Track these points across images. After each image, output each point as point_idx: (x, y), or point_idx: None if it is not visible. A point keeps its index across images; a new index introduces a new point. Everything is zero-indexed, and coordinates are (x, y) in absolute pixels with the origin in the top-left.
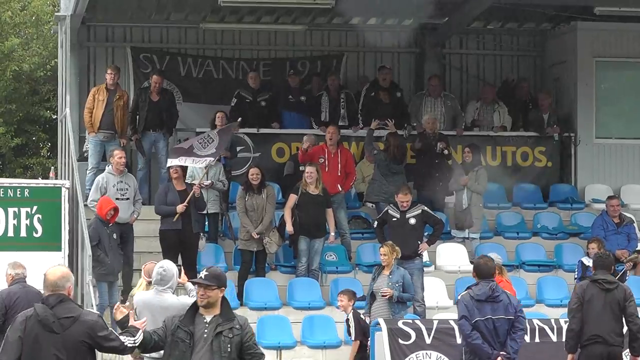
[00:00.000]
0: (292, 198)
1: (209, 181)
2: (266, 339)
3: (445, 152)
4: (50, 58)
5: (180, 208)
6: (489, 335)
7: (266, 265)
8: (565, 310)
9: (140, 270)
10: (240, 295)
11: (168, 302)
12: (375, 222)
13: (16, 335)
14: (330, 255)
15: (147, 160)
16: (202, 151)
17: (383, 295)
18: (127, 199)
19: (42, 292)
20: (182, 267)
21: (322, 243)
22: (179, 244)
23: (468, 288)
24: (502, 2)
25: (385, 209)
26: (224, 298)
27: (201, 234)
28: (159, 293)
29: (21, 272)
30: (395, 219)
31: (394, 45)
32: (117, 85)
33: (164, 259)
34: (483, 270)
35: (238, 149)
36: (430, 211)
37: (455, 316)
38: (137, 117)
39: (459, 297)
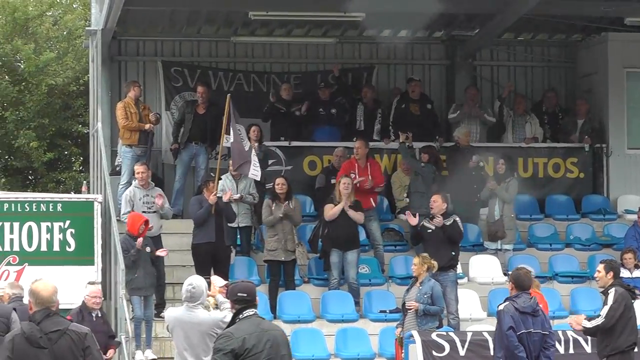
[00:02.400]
0: (330, 206)
1: (238, 195)
2: (300, 351)
3: (481, 164)
4: (83, 72)
5: (212, 199)
6: (527, 349)
7: (299, 278)
8: None
9: (173, 284)
10: (273, 309)
11: (200, 318)
12: (410, 234)
13: (4, 356)
14: (363, 268)
15: (184, 172)
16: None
17: (408, 308)
18: (155, 212)
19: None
20: (211, 280)
21: (356, 255)
22: (211, 258)
23: (508, 300)
24: (533, 13)
25: (421, 222)
26: None
27: (231, 247)
28: (190, 309)
29: (18, 292)
30: (430, 231)
31: (425, 57)
32: (139, 100)
33: (196, 272)
34: (524, 282)
35: (270, 161)
36: (460, 223)
37: (489, 328)
38: (182, 128)
39: (501, 308)
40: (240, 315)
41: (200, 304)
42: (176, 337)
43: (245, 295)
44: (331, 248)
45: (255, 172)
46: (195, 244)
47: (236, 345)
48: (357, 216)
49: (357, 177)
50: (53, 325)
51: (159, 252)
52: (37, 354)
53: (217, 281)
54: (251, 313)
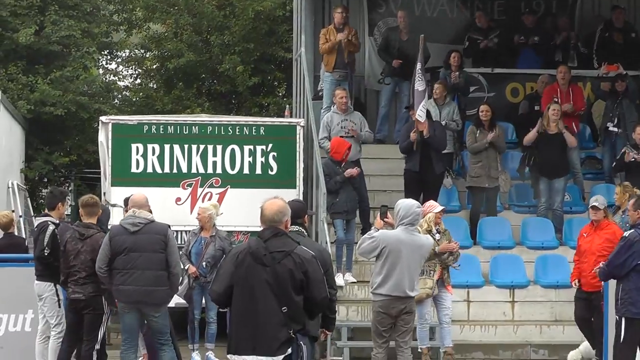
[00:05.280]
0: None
1: (444, 121)
2: (499, 277)
3: None
4: None
5: (412, 137)
6: None
7: (500, 205)
8: None
9: (373, 208)
10: (473, 234)
11: (422, 241)
12: (614, 163)
13: (228, 266)
14: (566, 196)
15: (389, 98)
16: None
17: None
18: (352, 137)
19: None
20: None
21: (564, 182)
22: (420, 184)
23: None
24: None
25: (623, 150)
26: None
27: (446, 172)
28: (410, 232)
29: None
30: (632, 160)
31: None
32: (346, 25)
33: (405, 197)
34: None
35: (472, 88)
36: None
37: None
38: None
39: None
40: None
41: (416, 229)
42: (392, 258)
43: None
44: (539, 175)
45: (421, 113)
46: (405, 170)
47: None
48: (571, 138)
49: (561, 102)
50: (279, 245)
51: (348, 171)
52: (258, 270)
53: (435, 207)
54: None
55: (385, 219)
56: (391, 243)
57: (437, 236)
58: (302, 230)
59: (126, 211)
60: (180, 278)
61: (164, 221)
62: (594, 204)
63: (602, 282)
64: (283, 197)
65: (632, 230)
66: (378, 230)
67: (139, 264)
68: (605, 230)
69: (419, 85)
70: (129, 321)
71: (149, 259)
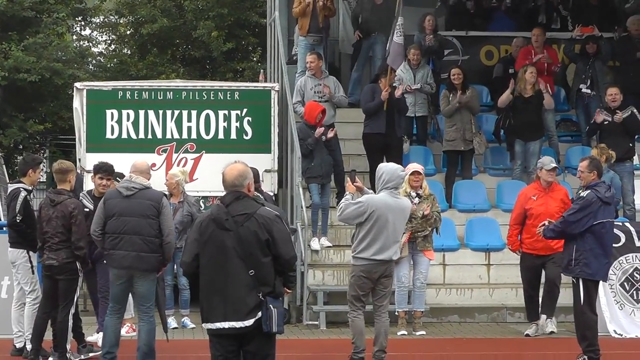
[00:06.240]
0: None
1: (418, 84)
2: (474, 241)
3: None
4: None
5: (384, 95)
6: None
7: (475, 167)
8: None
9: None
10: (448, 198)
11: (405, 205)
12: (587, 127)
13: (193, 236)
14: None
15: (362, 62)
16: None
17: None
18: (326, 101)
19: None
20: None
21: (539, 145)
22: (382, 147)
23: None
24: None
25: (597, 111)
26: None
27: (404, 137)
28: (394, 196)
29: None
30: (606, 122)
31: None
32: None
33: (368, 162)
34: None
35: (446, 51)
36: (638, 114)
37: None
38: (359, 19)
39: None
40: None
41: (399, 192)
42: (379, 223)
43: None
44: (514, 138)
45: (403, 69)
46: (365, 134)
47: None
48: (549, 99)
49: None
50: (241, 208)
51: (318, 131)
52: (222, 236)
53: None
54: None
55: (355, 184)
56: (379, 208)
57: (416, 200)
58: (258, 195)
59: (96, 178)
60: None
61: None
62: (553, 165)
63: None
64: (243, 161)
65: (589, 191)
66: (352, 195)
67: (128, 229)
68: (557, 191)
69: (398, 39)
70: (118, 292)
71: (139, 224)
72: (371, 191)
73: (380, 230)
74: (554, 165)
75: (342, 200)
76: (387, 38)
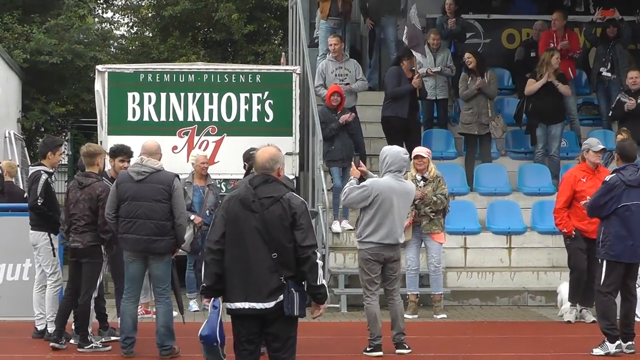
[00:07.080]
0: (532, 81)
1: (438, 67)
2: (496, 224)
3: None
4: None
5: (416, 82)
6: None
7: (496, 151)
8: None
9: (370, 155)
10: (469, 181)
11: (409, 188)
12: (610, 112)
13: (219, 214)
14: (562, 142)
15: (376, 45)
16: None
17: None
18: (347, 84)
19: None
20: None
21: (561, 128)
22: (404, 131)
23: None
24: None
25: (617, 97)
26: None
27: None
28: (399, 179)
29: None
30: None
31: None
32: None
33: (388, 144)
34: (629, 153)
35: (468, 35)
36: None
37: None
38: (367, 3)
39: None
40: None
41: (404, 175)
42: (384, 206)
43: None
44: (537, 122)
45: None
46: (386, 117)
47: None
48: (565, 89)
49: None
50: (269, 191)
51: (343, 117)
52: (248, 217)
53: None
54: None
55: (359, 168)
56: (384, 191)
57: (421, 183)
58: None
59: (116, 161)
60: (186, 229)
61: None
62: (600, 146)
63: None
64: (276, 145)
65: (613, 175)
66: (357, 179)
67: (141, 213)
68: (603, 173)
69: (418, 23)
70: (133, 270)
71: (151, 208)
72: (375, 175)
73: (385, 213)
74: (601, 147)
75: (347, 184)
76: (395, 20)
